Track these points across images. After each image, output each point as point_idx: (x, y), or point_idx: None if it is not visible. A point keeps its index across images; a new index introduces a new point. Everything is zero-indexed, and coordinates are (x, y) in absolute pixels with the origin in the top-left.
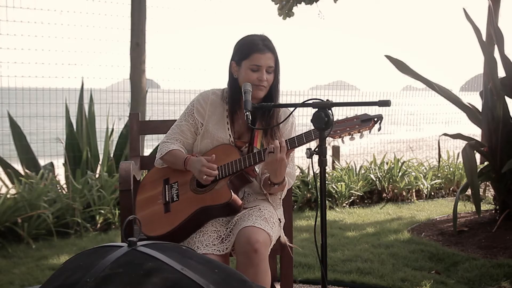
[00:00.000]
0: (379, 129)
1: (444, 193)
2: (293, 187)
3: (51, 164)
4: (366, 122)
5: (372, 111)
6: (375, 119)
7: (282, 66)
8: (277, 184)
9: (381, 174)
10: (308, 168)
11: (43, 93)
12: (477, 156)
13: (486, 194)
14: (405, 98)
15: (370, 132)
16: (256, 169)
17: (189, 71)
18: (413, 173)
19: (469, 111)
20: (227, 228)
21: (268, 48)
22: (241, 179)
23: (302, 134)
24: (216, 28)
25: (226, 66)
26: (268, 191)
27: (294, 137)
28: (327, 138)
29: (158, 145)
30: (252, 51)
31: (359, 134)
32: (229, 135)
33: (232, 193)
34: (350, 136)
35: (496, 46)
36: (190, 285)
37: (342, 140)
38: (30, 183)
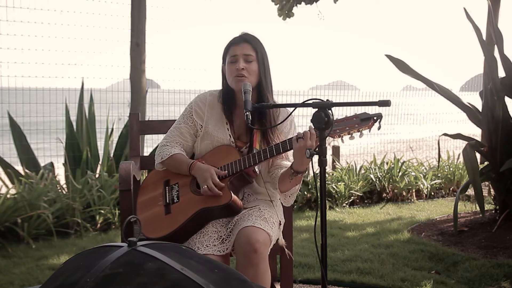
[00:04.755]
0: (379, 128)
1: (444, 193)
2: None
3: (51, 164)
4: (366, 121)
5: (372, 110)
6: (375, 118)
7: (283, 67)
8: (300, 172)
9: (381, 174)
10: (308, 168)
11: (43, 93)
12: (477, 156)
13: (485, 194)
14: (405, 98)
15: (370, 131)
16: (257, 170)
17: (189, 71)
18: (413, 173)
19: (469, 111)
20: (227, 229)
21: (244, 39)
22: (241, 180)
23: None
24: (216, 28)
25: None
26: (286, 186)
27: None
28: (327, 138)
29: (157, 146)
30: (229, 46)
31: (359, 133)
32: (229, 135)
33: (232, 194)
34: (350, 136)
35: (496, 46)
36: (190, 285)
37: (342, 139)
38: (30, 183)
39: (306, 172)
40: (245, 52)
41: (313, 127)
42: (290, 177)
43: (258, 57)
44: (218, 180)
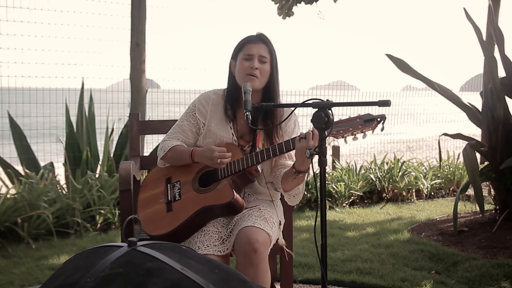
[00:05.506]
0: (382, 129)
1: (444, 193)
2: None
3: (51, 164)
4: (369, 122)
5: (373, 111)
6: (378, 119)
7: (282, 66)
8: (302, 172)
9: (381, 174)
10: (308, 168)
11: (43, 93)
12: (477, 156)
13: (485, 194)
14: (405, 98)
15: (373, 132)
16: (259, 169)
17: (189, 71)
18: (413, 173)
19: (469, 111)
20: (227, 229)
21: (261, 39)
22: (243, 178)
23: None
24: (216, 28)
25: (226, 66)
26: (289, 186)
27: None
28: (328, 138)
29: (158, 145)
30: (245, 42)
31: (362, 134)
32: (232, 134)
33: (234, 193)
34: (353, 136)
35: (496, 46)
36: (190, 285)
37: (345, 140)
38: (30, 183)
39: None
40: (261, 53)
41: (315, 129)
42: (292, 176)
43: (272, 60)
44: (220, 147)
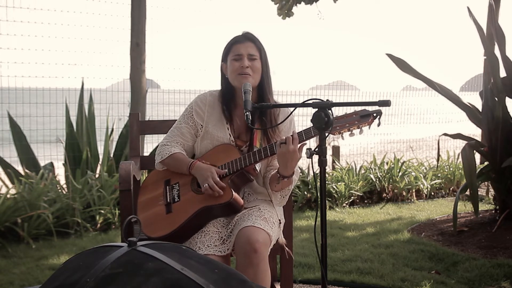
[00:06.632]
0: (379, 124)
1: (444, 193)
2: (293, 187)
3: (51, 164)
4: (365, 118)
5: (372, 109)
6: (374, 115)
7: (282, 66)
8: (286, 177)
9: (381, 174)
10: (308, 168)
11: (43, 93)
12: (477, 156)
13: (484, 194)
14: (405, 98)
15: (369, 128)
16: (257, 168)
17: (189, 71)
18: (413, 173)
19: (469, 110)
20: (228, 229)
21: (248, 38)
22: (242, 178)
23: (310, 127)
24: (216, 28)
25: None
26: (274, 189)
27: (301, 131)
28: (327, 138)
29: (157, 146)
30: (232, 43)
31: (359, 130)
32: (229, 134)
33: (233, 192)
34: (350, 132)
35: (496, 46)
36: (190, 285)
37: (342, 136)
38: (30, 183)
39: (306, 172)
40: (249, 51)
41: (296, 132)
42: (277, 180)
43: (262, 56)
44: (218, 178)
